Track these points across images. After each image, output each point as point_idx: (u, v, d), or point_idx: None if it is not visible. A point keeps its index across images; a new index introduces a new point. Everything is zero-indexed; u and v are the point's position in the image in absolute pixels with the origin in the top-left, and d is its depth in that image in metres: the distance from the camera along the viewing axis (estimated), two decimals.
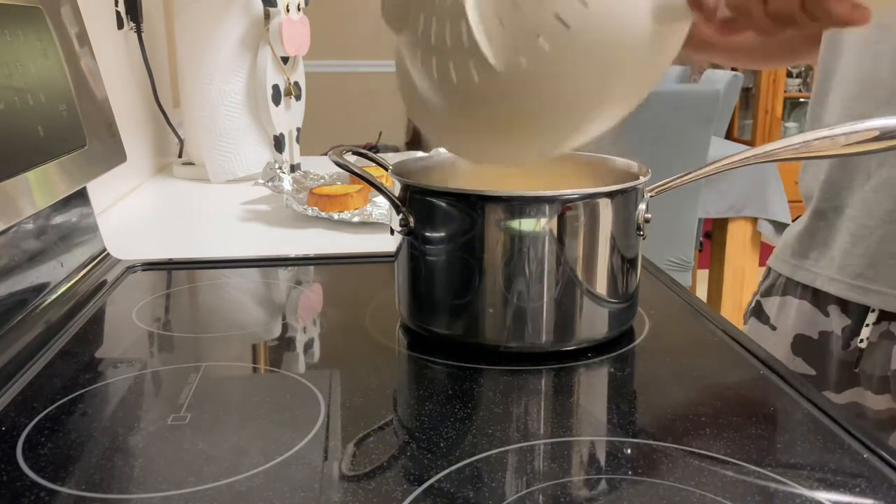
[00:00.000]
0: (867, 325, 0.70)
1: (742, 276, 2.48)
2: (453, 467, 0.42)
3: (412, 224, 0.58)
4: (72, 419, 0.48)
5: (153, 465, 0.43)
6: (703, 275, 3.17)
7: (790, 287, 0.78)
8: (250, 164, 1.29)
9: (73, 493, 0.40)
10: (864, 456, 0.43)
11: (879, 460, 0.43)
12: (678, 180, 0.59)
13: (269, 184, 1.09)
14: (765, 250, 3.80)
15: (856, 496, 0.40)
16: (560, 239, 0.55)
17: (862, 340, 0.70)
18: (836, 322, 0.73)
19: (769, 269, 0.83)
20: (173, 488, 0.40)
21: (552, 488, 0.41)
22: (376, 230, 0.96)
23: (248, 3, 1.24)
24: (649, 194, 0.59)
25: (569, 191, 0.55)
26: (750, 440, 0.45)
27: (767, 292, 0.81)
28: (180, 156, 1.46)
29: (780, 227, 2.43)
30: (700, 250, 2.98)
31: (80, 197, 0.76)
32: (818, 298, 0.75)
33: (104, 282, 0.74)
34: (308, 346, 0.61)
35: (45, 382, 0.53)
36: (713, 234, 2.56)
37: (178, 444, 0.45)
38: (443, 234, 0.57)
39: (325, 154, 0.61)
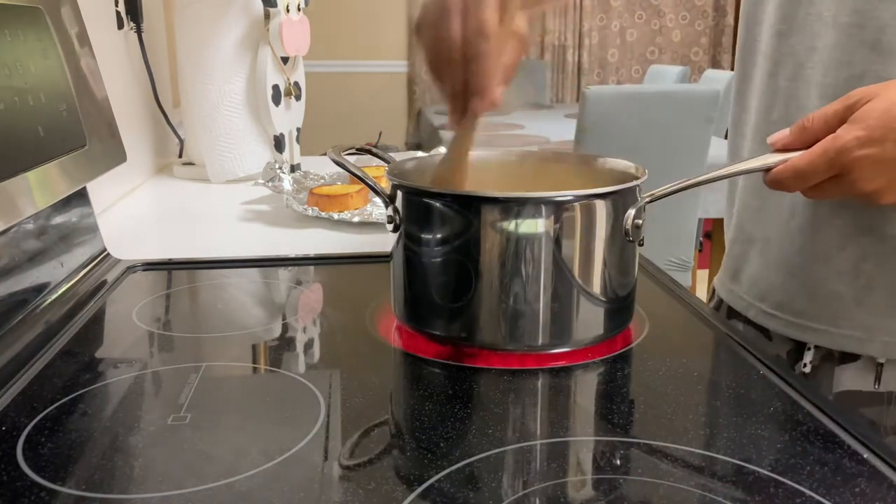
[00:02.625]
0: (809, 349, 0.67)
1: None
2: (453, 467, 0.42)
3: (398, 221, 0.58)
4: (72, 419, 0.48)
5: (153, 465, 0.43)
6: (702, 275, 3.17)
7: (733, 311, 0.74)
8: (250, 164, 1.29)
9: (73, 493, 0.40)
10: (865, 456, 0.43)
11: (880, 460, 0.43)
12: (673, 188, 0.58)
13: (270, 184, 1.09)
14: None
15: (856, 496, 0.40)
16: (555, 240, 0.54)
17: (805, 365, 0.67)
18: (781, 346, 0.70)
19: (714, 289, 0.79)
20: (173, 488, 0.40)
21: (552, 489, 0.41)
22: (376, 230, 0.96)
23: (248, 3, 1.24)
24: (644, 200, 0.58)
25: (562, 192, 0.55)
26: (750, 440, 0.45)
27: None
28: (180, 156, 1.46)
29: None
30: (700, 250, 2.98)
31: (80, 197, 0.76)
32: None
33: (104, 282, 0.74)
34: (308, 346, 0.61)
35: (45, 382, 0.53)
36: (713, 234, 2.56)
37: (178, 444, 0.45)
38: (436, 235, 0.56)
39: (325, 154, 0.61)
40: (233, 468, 0.42)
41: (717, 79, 3.10)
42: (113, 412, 0.49)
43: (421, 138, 3.95)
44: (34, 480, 0.41)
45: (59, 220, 0.71)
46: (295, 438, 0.45)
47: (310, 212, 0.99)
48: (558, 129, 2.89)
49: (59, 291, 0.68)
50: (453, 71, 0.55)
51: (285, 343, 0.62)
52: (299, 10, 1.29)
